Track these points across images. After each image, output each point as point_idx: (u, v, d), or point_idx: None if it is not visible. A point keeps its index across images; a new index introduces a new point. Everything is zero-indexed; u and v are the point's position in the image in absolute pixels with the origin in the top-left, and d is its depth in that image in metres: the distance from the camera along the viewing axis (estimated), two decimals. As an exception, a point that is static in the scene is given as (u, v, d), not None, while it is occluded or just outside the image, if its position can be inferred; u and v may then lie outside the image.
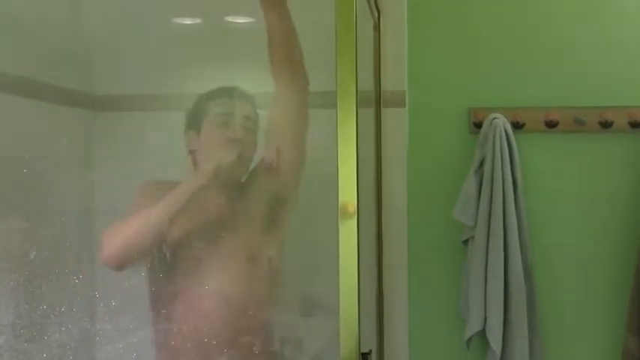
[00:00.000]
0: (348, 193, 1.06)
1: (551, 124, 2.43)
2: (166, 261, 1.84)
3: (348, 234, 1.06)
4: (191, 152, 1.89)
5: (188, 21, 2.47)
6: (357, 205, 1.06)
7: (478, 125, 2.44)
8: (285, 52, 1.87)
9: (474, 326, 2.36)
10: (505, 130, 2.38)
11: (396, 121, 2.38)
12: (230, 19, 2.42)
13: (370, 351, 1.50)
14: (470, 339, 2.39)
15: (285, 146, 1.87)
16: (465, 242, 2.44)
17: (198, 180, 1.86)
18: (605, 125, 2.41)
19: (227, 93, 1.96)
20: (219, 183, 1.86)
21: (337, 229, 1.07)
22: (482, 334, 2.37)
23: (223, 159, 1.85)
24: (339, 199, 1.06)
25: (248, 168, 1.88)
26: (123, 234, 1.82)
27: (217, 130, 1.88)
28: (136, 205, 1.89)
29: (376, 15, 2.32)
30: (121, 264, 1.84)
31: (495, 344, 2.32)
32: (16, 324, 1.91)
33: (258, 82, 2.44)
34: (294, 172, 1.89)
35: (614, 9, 2.44)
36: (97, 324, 2.12)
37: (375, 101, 2.34)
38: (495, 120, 2.38)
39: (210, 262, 1.86)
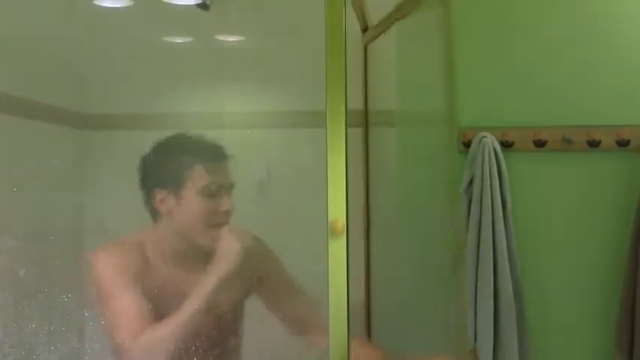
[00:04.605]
0: (337, 211, 1.06)
1: (539, 144, 2.45)
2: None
3: (337, 251, 1.06)
4: (158, 210, 1.78)
5: (179, 40, 2.48)
6: (347, 222, 1.07)
7: (467, 145, 2.46)
8: None
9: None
10: (494, 150, 2.39)
11: (384, 139, 2.39)
12: (221, 37, 2.43)
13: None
14: (460, 358, 2.39)
15: None
16: (455, 262, 2.44)
17: (228, 264, 1.72)
18: (593, 144, 2.43)
19: (212, 156, 1.81)
20: None
21: (327, 247, 1.07)
22: (472, 352, 2.37)
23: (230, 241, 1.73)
24: (329, 217, 1.07)
25: None
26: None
27: (204, 200, 1.75)
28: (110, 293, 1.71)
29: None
30: None
31: (485, 363, 2.33)
32: (4, 343, 1.90)
33: (247, 101, 2.45)
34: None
35: (601, 31, 2.47)
36: (86, 343, 2.11)
37: (364, 120, 2.36)
38: (484, 139, 2.39)
39: None
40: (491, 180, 2.36)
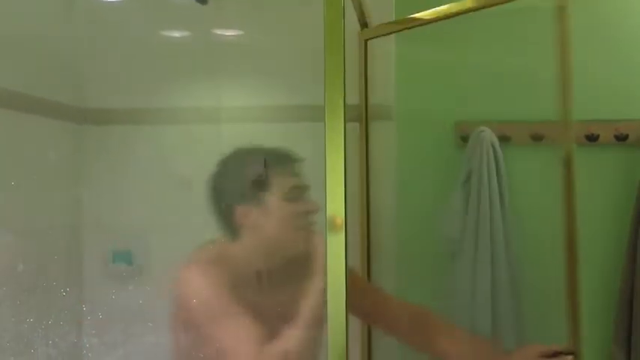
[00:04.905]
0: (336, 206, 1.06)
1: (537, 138, 2.45)
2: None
3: (336, 247, 1.06)
4: (241, 225, 1.73)
5: (177, 34, 2.48)
6: (345, 217, 1.07)
7: (465, 139, 2.45)
8: None
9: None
10: (492, 144, 2.39)
11: (383, 134, 2.39)
12: (218, 31, 2.43)
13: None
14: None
15: None
16: (453, 256, 2.45)
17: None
18: (592, 139, 2.43)
19: (284, 161, 1.76)
20: None
21: (325, 243, 1.07)
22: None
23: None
24: (327, 212, 1.07)
25: None
26: None
27: (290, 205, 1.71)
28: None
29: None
30: None
31: None
32: (3, 337, 1.90)
33: (245, 95, 2.45)
34: None
35: (600, 26, 2.46)
36: (84, 338, 2.11)
37: (363, 114, 2.36)
38: (482, 133, 2.39)
39: None
40: (488, 174, 2.36)
